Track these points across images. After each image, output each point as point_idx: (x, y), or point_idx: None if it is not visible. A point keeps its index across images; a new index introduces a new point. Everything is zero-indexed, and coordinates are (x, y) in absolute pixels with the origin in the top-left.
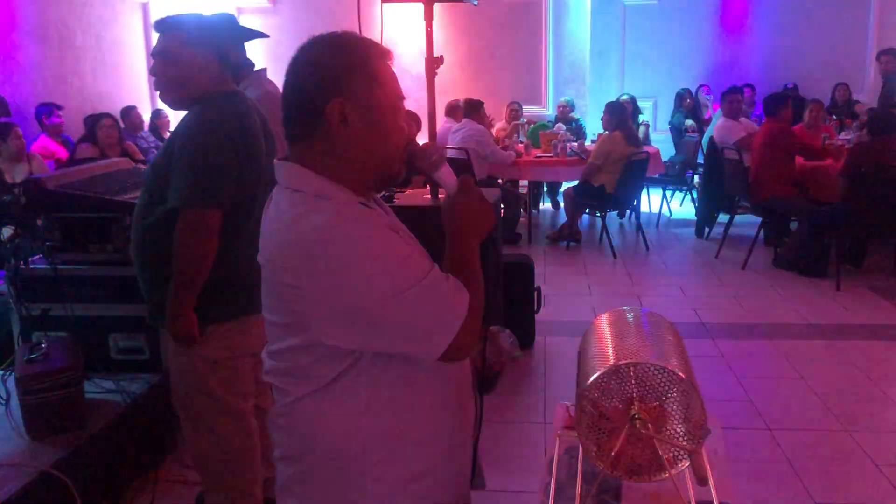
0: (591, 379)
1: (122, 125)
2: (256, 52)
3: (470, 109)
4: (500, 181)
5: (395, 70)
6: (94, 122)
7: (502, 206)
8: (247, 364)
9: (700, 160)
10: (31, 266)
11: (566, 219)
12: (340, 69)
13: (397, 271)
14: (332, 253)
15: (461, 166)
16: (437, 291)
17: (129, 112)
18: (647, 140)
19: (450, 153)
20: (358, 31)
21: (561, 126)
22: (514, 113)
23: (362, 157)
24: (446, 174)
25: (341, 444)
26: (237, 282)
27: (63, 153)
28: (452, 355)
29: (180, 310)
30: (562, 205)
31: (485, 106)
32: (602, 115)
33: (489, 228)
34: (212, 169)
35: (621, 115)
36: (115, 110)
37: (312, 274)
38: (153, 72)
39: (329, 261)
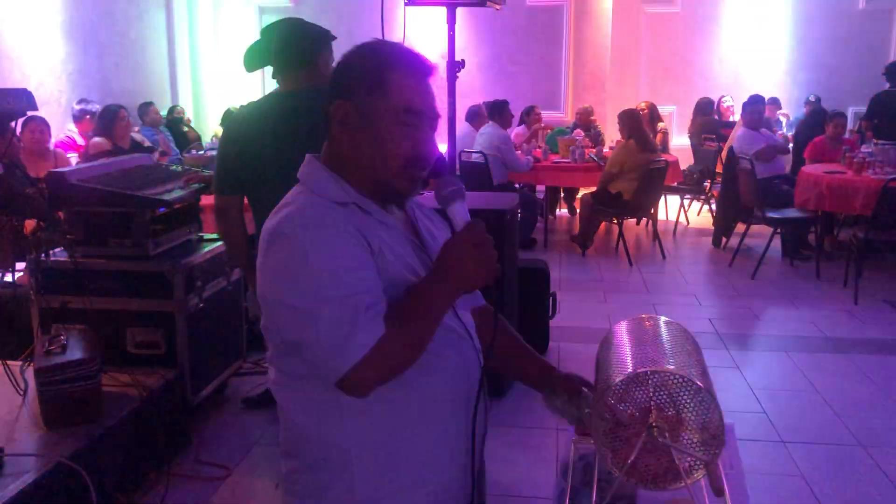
0: (610, 386)
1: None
2: None
3: (495, 111)
4: (517, 185)
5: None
6: (111, 115)
7: (519, 211)
8: None
9: (719, 169)
10: (52, 259)
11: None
12: (350, 74)
13: (320, 282)
14: (280, 247)
15: (479, 171)
16: (347, 316)
17: (147, 108)
18: (665, 148)
19: (471, 157)
20: (381, 33)
21: (579, 132)
22: (537, 117)
23: (358, 164)
24: (459, 211)
25: (323, 444)
26: None
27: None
28: (350, 388)
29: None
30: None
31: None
32: (617, 122)
33: (479, 282)
34: (220, 159)
35: (636, 123)
36: (136, 106)
37: (266, 259)
38: None
39: (277, 252)
